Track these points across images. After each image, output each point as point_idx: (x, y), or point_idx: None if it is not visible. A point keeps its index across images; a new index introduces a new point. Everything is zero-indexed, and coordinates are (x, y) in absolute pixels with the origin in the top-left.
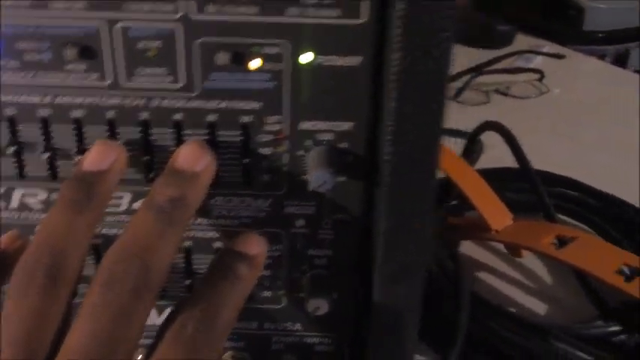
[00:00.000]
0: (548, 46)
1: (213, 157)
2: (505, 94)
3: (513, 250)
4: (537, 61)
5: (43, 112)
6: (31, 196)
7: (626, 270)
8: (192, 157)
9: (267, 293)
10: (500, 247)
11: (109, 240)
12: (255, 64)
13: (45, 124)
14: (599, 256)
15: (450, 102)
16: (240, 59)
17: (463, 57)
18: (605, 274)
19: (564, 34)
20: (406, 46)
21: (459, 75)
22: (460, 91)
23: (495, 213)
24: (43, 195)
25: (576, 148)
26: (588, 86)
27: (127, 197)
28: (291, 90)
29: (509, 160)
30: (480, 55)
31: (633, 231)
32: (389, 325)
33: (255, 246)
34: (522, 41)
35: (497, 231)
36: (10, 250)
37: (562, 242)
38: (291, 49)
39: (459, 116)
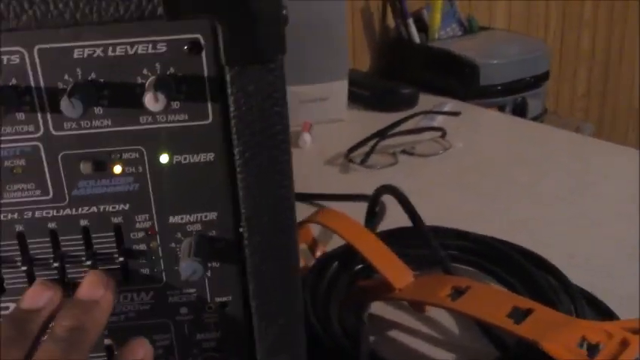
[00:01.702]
0: (451, 103)
1: (111, 283)
2: (412, 154)
3: (416, 306)
4: (441, 119)
5: None
6: None
7: (517, 312)
8: (91, 287)
9: None
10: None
11: None
12: (118, 169)
13: None
14: (490, 303)
15: (359, 167)
16: (102, 166)
17: (371, 122)
18: (496, 319)
19: (464, 90)
20: (242, 142)
21: (367, 140)
22: (368, 155)
23: (396, 272)
24: None
25: (478, 197)
26: (488, 137)
27: (12, 308)
28: (155, 189)
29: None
30: (388, 119)
31: (523, 274)
32: None
33: (141, 349)
34: (427, 100)
35: (400, 289)
36: None
37: (458, 293)
38: (149, 152)
39: (368, 180)
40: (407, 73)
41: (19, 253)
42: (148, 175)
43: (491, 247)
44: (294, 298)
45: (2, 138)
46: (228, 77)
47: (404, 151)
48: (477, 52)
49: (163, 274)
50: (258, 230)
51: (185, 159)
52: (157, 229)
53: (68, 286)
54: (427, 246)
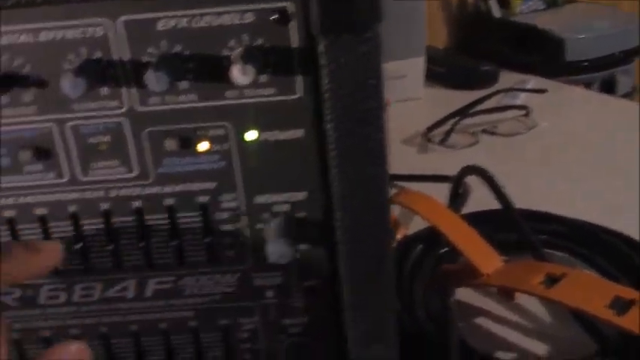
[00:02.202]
0: (533, 81)
1: None
2: (493, 133)
3: (505, 293)
4: (524, 97)
5: (9, 214)
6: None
7: (618, 303)
8: None
9: None
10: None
11: (88, 328)
12: (203, 146)
13: (11, 224)
14: (589, 292)
15: (438, 147)
16: (187, 143)
17: (449, 100)
18: (596, 309)
19: (548, 66)
20: (335, 118)
21: (446, 119)
22: (448, 134)
23: (484, 257)
24: (17, 293)
25: (567, 179)
26: (575, 116)
27: (98, 287)
28: (242, 167)
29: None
30: (466, 97)
31: (624, 262)
32: None
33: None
34: (507, 79)
35: (488, 275)
36: None
37: (552, 280)
38: (235, 129)
39: (449, 160)
40: (486, 49)
41: (104, 232)
42: (235, 153)
43: (588, 232)
44: (388, 283)
45: (87, 114)
46: (320, 48)
47: (485, 131)
48: (562, 26)
49: (249, 255)
50: (351, 211)
51: (273, 136)
52: (243, 209)
53: (153, 267)
54: (517, 230)
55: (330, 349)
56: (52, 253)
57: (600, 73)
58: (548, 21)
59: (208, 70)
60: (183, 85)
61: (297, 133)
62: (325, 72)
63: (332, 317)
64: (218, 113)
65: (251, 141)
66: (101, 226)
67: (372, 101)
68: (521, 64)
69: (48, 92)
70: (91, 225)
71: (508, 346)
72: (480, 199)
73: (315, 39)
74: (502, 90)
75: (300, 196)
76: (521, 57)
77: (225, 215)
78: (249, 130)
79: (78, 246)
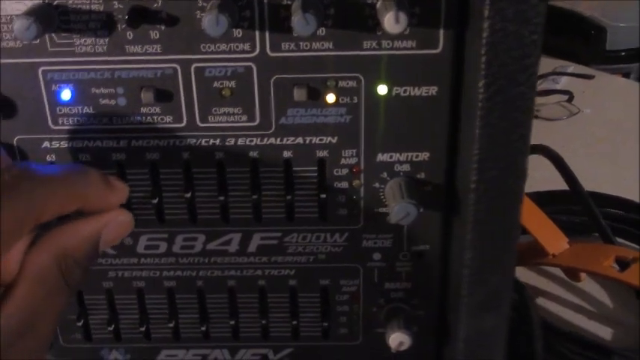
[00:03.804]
0: (573, 67)
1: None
2: (536, 117)
3: (572, 274)
4: (564, 82)
5: (118, 157)
6: None
7: None
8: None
9: (343, 330)
10: (555, 271)
11: (184, 282)
12: (331, 98)
13: (121, 168)
14: None
15: None
16: (315, 94)
17: None
18: None
19: (588, 54)
20: (490, 74)
21: None
22: None
23: (551, 237)
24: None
25: (614, 167)
26: (618, 104)
27: (201, 238)
28: (368, 123)
29: (552, 183)
30: None
31: None
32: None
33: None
34: (547, 63)
35: (554, 255)
36: None
37: (622, 264)
38: (367, 81)
39: None
40: None
41: (216, 182)
42: (363, 107)
43: None
44: (510, 255)
45: (214, 56)
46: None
47: None
48: (604, 14)
49: (361, 215)
50: (490, 176)
51: (405, 91)
52: (362, 167)
53: (261, 222)
54: (587, 212)
55: (430, 317)
56: (122, 194)
57: (638, 63)
58: (589, 7)
59: (349, 17)
60: (320, 31)
61: (431, 90)
62: (487, 24)
63: (436, 285)
64: (352, 64)
65: (382, 95)
66: (214, 175)
67: (532, 57)
68: (560, 50)
69: (177, 31)
70: (202, 174)
71: (573, 328)
72: (533, 180)
73: None
74: (548, 73)
75: (423, 156)
76: (560, 43)
77: (343, 172)
78: (381, 83)
79: (187, 195)
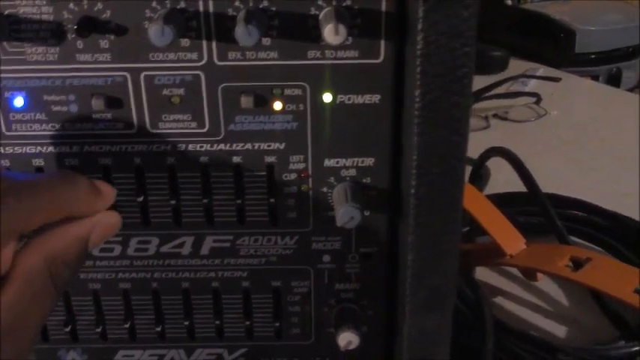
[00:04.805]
0: (543, 69)
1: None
2: (504, 119)
3: (529, 274)
4: (533, 85)
5: (72, 162)
6: None
7: None
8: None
9: (296, 329)
10: (513, 271)
11: (139, 284)
12: (277, 106)
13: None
14: (615, 277)
15: None
16: (262, 102)
17: None
18: (623, 294)
19: (558, 56)
20: (425, 84)
21: None
22: None
23: (509, 238)
24: None
25: (577, 168)
26: (585, 106)
27: (154, 241)
28: (314, 129)
29: (515, 185)
30: (477, 82)
31: None
32: (421, 358)
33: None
34: (516, 66)
35: (511, 255)
36: None
37: (577, 264)
38: (312, 90)
39: None
40: (495, 35)
41: (167, 186)
42: (309, 114)
43: (615, 220)
44: (452, 256)
45: (163, 65)
46: (420, 12)
47: (496, 115)
48: (573, 18)
49: (311, 218)
50: (428, 180)
51: (349, 99)
52: (310, 172)
53: (213, 225)
54: (543, 213)
55: (379, 317)
56: (109, 198)
57: (606, 66)
58: (559, 11)
59: (293, 28)
60: (266, 41)
61: (374, 98)
62: (422, 36)
63: (384, 285)
64: (297, 73)
65: (327, 103)
66: (165, 180)
67: (465, 69)
68: (529, 53)
69: (126, 40)
70: (154, 179)
71: (530, 327)
72: (496, 182)
73: (406, 3)
74: (517, 76)
75: (368, 161)
76: (531, 46)
77: (291, 177)
78: (326, 92)
79: (140, 199)
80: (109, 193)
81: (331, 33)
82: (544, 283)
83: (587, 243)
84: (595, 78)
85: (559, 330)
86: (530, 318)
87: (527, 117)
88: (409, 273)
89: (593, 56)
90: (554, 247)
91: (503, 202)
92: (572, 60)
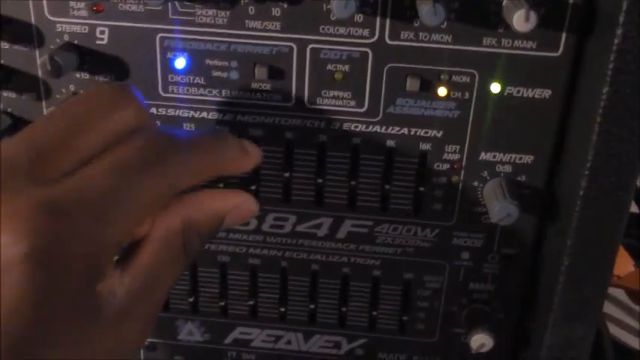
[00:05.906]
0: None
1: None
2: None
3: (636, 297)
4: None
5: (221, 130)
6: None
7: None
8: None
9: (421, 325)
10: (616, 293)
11: (268, 261)
12: (443, 91)
13: None
14: None
15: None
16: (427, 86)
17: None
18: None
19: None
20: (616, 82)
21: None
22: None
23: (617, 258)
24: None
25: None
26: None
27: (291, 219)
28: (475, 120)
29: None
30: None
31: None
32: None
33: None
34: None
35: (619, 277)
36: None
37: None
38: (481, 78)
39: None
40: None
41: (314, 164)
42: (473, 103)
43: None
44: (608, 267)
45: (332, 39)
46: (624, 4)
47: None
48: None
49: (456, 212)
50: (600, 183)
51: (518, 92)
52: (463, 164)
53: (354, 209)
54: None
55: (510, 321)
56: (255, 159)
57: None
58: None
59: (473, 12)
60: (442, 24)
61: (545, 93)
62: (622, 31)
63: (521, 290)
64: (469, 59)
65: (494, 93)
66: (313, 157)
67: None
68: None
69: (298, 10)
70: (303, 155)
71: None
72: None
73: None
74: None
75: (527, 159)
76: None
77: (443, 167)
78: (495, 82)
79: (285, 174)
80: (256, 154)
81: (521, 20)
82: None
83: None
84: None
85: None
86: (629, 341)
87: None
88: (562, 280)
89: None
90: None
91: None
92: None
